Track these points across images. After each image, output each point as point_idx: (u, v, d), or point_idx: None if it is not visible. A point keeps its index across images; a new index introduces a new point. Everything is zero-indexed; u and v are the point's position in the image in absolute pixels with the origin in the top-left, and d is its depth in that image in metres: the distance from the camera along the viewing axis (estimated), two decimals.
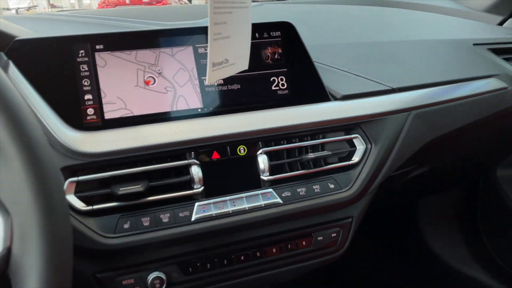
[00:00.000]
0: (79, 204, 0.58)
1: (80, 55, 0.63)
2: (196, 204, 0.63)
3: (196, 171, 0.64)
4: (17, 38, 0.61)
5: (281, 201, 0.67)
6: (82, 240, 0.58)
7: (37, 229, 0.33)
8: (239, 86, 0.70)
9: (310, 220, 0.73)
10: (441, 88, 0.82)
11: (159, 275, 0.64)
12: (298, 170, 0.71)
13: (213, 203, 0.64)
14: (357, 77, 0.78)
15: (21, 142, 0.33)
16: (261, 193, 0.67)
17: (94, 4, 11.72)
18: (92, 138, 0.59)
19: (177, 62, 0.67)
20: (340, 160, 0.74)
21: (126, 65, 0.64)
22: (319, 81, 0.74)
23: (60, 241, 0.35)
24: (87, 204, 0.59)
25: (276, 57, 0.73)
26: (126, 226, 0.60)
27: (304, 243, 0.73)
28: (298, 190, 0.69)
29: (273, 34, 0.73)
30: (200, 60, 0.68)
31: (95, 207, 0.59)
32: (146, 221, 0.61)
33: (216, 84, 0.68)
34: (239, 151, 0.67)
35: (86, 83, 0.62)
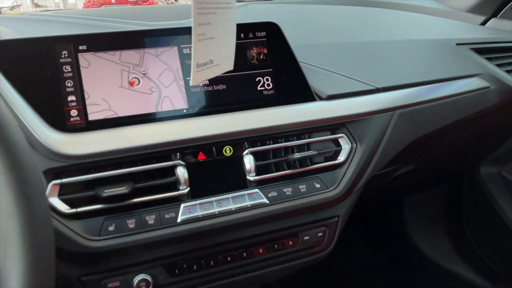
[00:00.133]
0: (63, 207, 0.58)
1: (63, 56, 0.62)
2: (182, 205, 0.63)
3: (181, 172, 0.63)
4: None
5: (267, 201, 0.67)
6: (66, 243, 0.57)
7: (18, 235, 0.32)
8: (224, 87, 0.69)
9: (296, 220, 0.73)
10: (425, 87, 0.83)
11: (145, 277, 0.64)
12: (284, 170, 0.71)
13: (199, 204, 0.64)
14: (342, 77, 0.79)
15: (0, 146, 0.33)
16: (247, 194, 0.67)
17: (80, 3, 11.58)
18: (76, 140, 0.58)
19: (162, 62, 0.67)
20: (326, 160, 0.74)
21: (110, 66, 0.64)
22: (304, 81, 0.74)
23: (42, 247, 0.35)
24: (71, 206, 0.58)
25: (261, 57, 0.73)
26: (111, 228, 0.59)
27: (290, 243, 0.74)
28: (284, 190, 0.69)
29: (258, 34, 0.73)
30: (185, 61, 0.68)
31: (79, 209, 0.58)
32: (131, 223, 0.60)
33: (201, 84, 0.68)
34: (225, 151, 0.67)
35: (69, 84, 0.61)
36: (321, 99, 0.74)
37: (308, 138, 0.73)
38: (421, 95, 0.82)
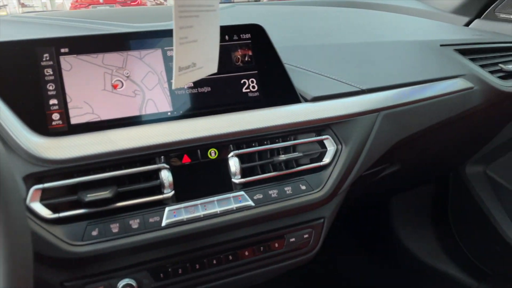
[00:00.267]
0: (45, 212, 0.57)
1: (44, 59, 0.61)
2: (167, 209, 0.63)
3: (166, 176, 0.63)
4: None
5: (253, 204, 0.67)
6: (49, 248, 0.57)
7: None
8: (209, 89, 0.69)
9: (282, 222, 0.73)
10: (409, 88, 0.84)
11: (130, 282, 0.63)
12: (270, 172, 0.71)
13: (184, 207, 0.64)
14: (327, 79, 0.79)
15: None
16: (233, 196, 0.67)
17: (67, 3, 11.46)
18: (58, 144, 0.58)
19: (145, 65, 0.66)
20: (312, 161, 0.74)
21: (92, 69, 0.63)
22: (289, 83, 0.74)
23: (19, 254, 0.34)
24: (54, 211, 0.57)
25: (246, 59, 0.73)
26: (94, 233, 0.59)
27: (276, 245, 0.74)
28: (270, 192, 0.69)
29: (243, 36, 0.73)
30: (169, 63, 0.67)
31: (61, 214, 0.58)
32: (115, 228, 0.60)
33: (186, 87, 0.68)
34: (210, 154, 0.67)
35: (51, 88, 0.61)
36: (306, 101, 0.74)
37: (294, 140, 0.73)
38: (406, 96, 0.82)
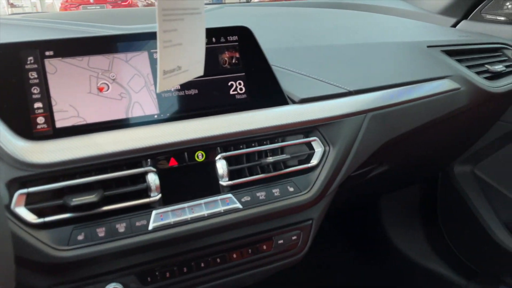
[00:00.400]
0: (30, 217, 0.56)
1: (28, 62, 0.60)
2: (154, 212, 0.62)
3: (152, 179, 0.62)
4: None
5: (240, 206, 0.67)
6: (34, 253, 0.56)
7: None
8: (196, 91, 0.69)
9: (270, 224, 0.73)
10: (396, 90, 0.84)
11: (117, 286, 0.63)
12: (258, 174, 0.71)
13: (171, 210, 0.63)
14: (315, 80, 0.79)
15: None
16: (220, 199, 0.67)
17: (57, 3, 11.36)
18: (42, 148, 0.57)
19: (131, 67, 0.66)
20: (300, 163, 0.74)
21: (78, 72, 0.63)
22: (277, 85, 0.74)
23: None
24: (39, 216, 0.57)
25: (233, 61, 0.72)
26: (80, 237, 0.58)
27: (264, 247, 0.74)
28: (258, 194, 0.69)
29: (230, 38, 0.73)
30: (156, 65, 0.67)
31: (47, 219, 0.57)
32: (101, 232, 0.59)
33: (173, 89, 0.67)
34: (197, 157, 0.67)
35: (35, 91, 0.60)
36: (293, 102, 0.74)
37: (282, 141, 0.73)
38: (393, 97, 0.83)
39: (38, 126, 0.59)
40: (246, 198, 0.68)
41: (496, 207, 1.35)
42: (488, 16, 1.29)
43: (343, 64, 0.88)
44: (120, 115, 0.64)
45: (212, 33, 0.71)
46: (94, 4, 10.40)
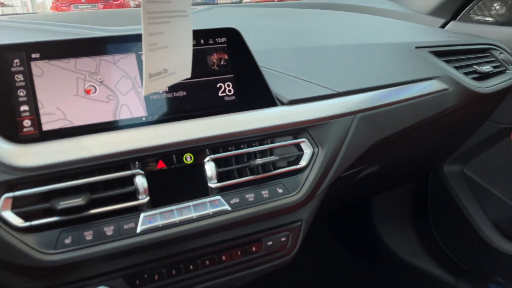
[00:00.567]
0: (17, 221, 0.56)
1: (14, 65, 0.60)
2: (142, 215, 0.62)
3: (140, 181, 0.62)
4: None
5: (229, 208, 0.67)
6: (21, 257, 0.56)
7: None
8: (184, 93, 0.69)
9: (259, 225, 0.73)
10: (385, 91, 0.85)
11: None
12: (247, 176, 0.71)
13: (159, 213, 0.63)
14: (303, 82, 0.79)
15: None
16: (209, 201, 0.67)
17: (48, 3, 11.26)
18: (29, 151, 0.57)
19: (119, 69, 0.65)
20: (289, 164, 0.74)
21: (64, 74, 0.62)
22: (265, 87, 0.74)
23: None
24: (25, 219, 0.56)
25: (222, 63, 0.72)
26: (67, 241, 0.58)
27: (254, 248, 0.74)
28: (247, 196, 0.69)
29: (218, 40, 0.73)
30: None
31: (33, 222, 0.57)
32: (89, 235, 0.59)
33: (161, 91, 0.67)
34: (186, 159, 0.67)
35: (21, 94, 0.59)
36: (282, 104, 0.74)
37: (270, 143, 0.73)
38: (381, 98, 0.83)
39: (25, 129, 0.59)
40: (235, 200, 0.68)
41: (485, 206, 1.36)
42: (476, 17, 1.30)
43: (332, 65, 0.88)
44: (108, 118, 0.63)
45: (200, 35, 0.71)
46: (86, 3, 10.32)
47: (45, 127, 0.60)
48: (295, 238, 0.77)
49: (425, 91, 0.92)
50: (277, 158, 0.72)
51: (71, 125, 0.61)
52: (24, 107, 0.59)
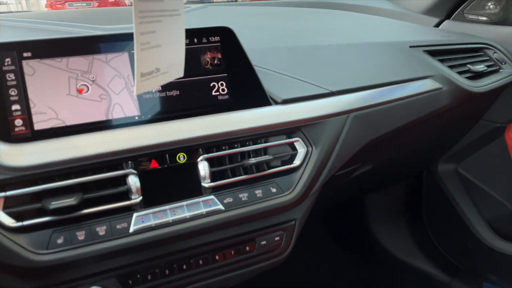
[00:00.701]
0: (8, 221, 0.55)
1: (6, 64, 0.59)
2: (135, 215, 0.62)
3: (133, 181, 0.62)
4: None
5: (222, 208, 0.67)
6: (13, 258, 0.55)
7: None
8: (178, 92, 0.69)
9: (253, 225, 0.73)
10: (379, 90, 0.85)
11: None
12: (241, 175, 0.70)
13: (152, 213, 0.63)
14: (297, 81, 0.79)
15: None
16: (202, 201, 0.66)
17: (43, 0, 11.18)
18: (20, 151, 0.56)
19: (112, 69, 0.65)
20: (283, 164, 0.74)
21: (56, 73, 0.62)
22: (259, 86, 0.74)
23: None
24: (17, 220, 0.56)
25: (215, 62, 0.72)
26: (59, 241, 0.57)
27: (247, 248, 0.73)
28: (240, 195, 0.69)
29: (212, 39, 0.72)
30: None
31: (25, 223, 0.56)
32: (81, 235, 0.59)
33: (154, 90, 0.67)
34: (179, 158, 0.67)
35: (13, 93, 0.59)
36: (276, 103, 0.74)
37: (264, 142, 0.73)
38: (375, 97, 0.83)
39: (16, 129, 0.58)
40: (229, 200, 0.68)
41: (479, 205, 1.37)
42: (470, 16, 1.30)
43: (326, 64, 0.88)
44: (100, 117, 0.63)
45: (194, 34, 0.71)
46: (80, 1, 10.26)
47: (37, 126, 0.59)
48: (289, 237, 0.77)
49: (419, 90, 0.92)
50: (270, 157, 0.72)
51: (63, 125, 0.61)
52: (15, 106, 0.59)
